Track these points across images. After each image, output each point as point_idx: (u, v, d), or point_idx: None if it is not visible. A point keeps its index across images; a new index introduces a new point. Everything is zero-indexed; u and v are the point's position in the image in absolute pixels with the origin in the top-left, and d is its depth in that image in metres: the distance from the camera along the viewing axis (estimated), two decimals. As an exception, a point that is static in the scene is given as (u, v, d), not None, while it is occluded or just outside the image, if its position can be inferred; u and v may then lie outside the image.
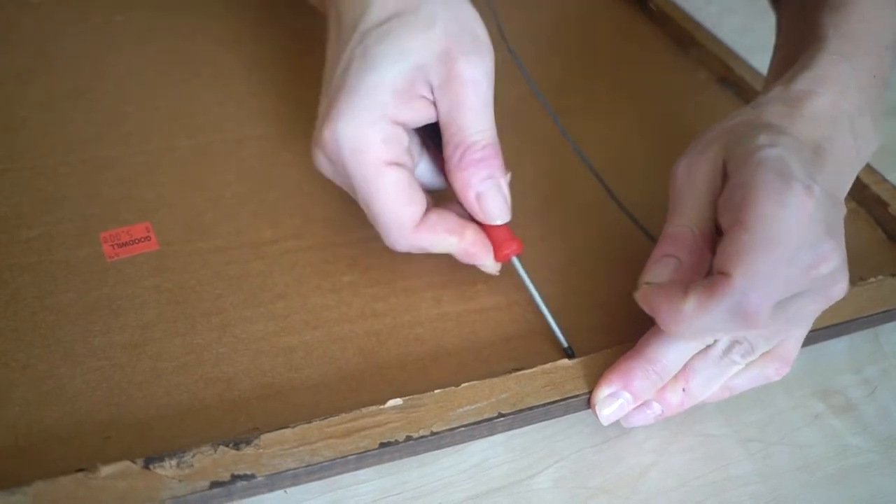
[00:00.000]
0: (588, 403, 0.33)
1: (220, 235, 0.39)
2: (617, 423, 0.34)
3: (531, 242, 0.40)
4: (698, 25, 0.57)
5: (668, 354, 0.32)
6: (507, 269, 0.39)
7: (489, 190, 0.34)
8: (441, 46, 0.33)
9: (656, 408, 0.33)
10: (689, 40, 0.56)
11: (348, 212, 0.41)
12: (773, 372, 0.34)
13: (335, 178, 0.35)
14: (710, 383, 0.33)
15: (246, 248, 0.39)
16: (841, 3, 0.39)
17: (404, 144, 0.33)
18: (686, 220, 0.33)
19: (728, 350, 0.32)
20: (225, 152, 0.44)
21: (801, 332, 0.34)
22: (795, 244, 0.29)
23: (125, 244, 0.38)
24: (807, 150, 0.34)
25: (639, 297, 0.32)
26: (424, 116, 0.34)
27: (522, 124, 0.47)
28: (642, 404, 0.33)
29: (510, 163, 0.35)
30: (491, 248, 0.35)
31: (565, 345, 0.35)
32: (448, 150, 0.34)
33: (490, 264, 0.36)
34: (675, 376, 0.33)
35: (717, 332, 0.32)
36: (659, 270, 0.32)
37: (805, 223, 0.30)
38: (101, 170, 0.42)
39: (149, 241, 0.38)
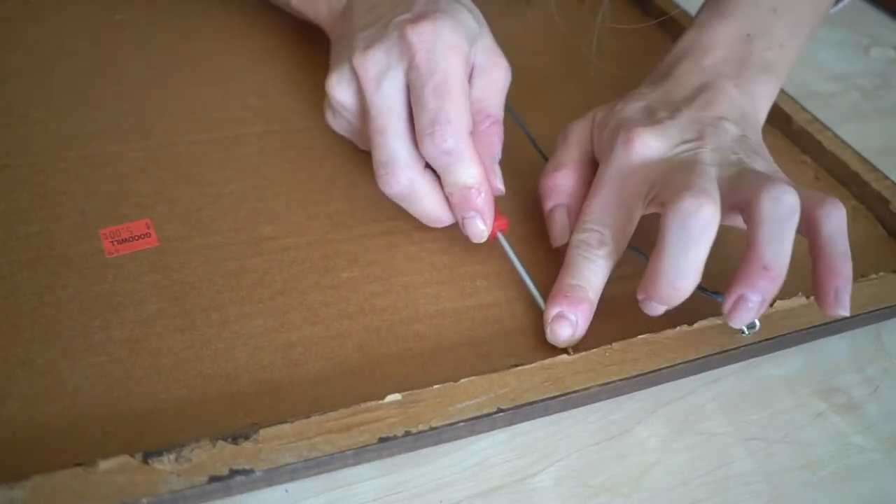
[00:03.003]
0: (588, 399, 0.33)
1: (220, 232, 0.39)
2: (619, 423, 0.34)
3: (528, 240, 0.40)
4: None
5: (576, 271, 0.35)
6: (505, 264, 0.39)
7: (474, 219, 0.36)
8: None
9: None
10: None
11: (348, 208, 0.41)
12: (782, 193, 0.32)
13: (354, 97, 0.37)
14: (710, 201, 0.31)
15: (245, 244, 0.39)
16: None
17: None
18: (556, 162, 0.40)
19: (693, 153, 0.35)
20: (224, 149, 0.43)
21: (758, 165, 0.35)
22: (614, 181, 0.36)
23: (125, 241, 0.38)
24: (657, 96, 0.39)
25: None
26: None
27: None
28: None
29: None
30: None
31: None
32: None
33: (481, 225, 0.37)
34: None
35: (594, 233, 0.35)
36: (557, 229, 0.38)
37: (636, 155, 0.36)
38: (100, 166, 0.41)
39: (148, 237, 0.38)
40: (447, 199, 0.37)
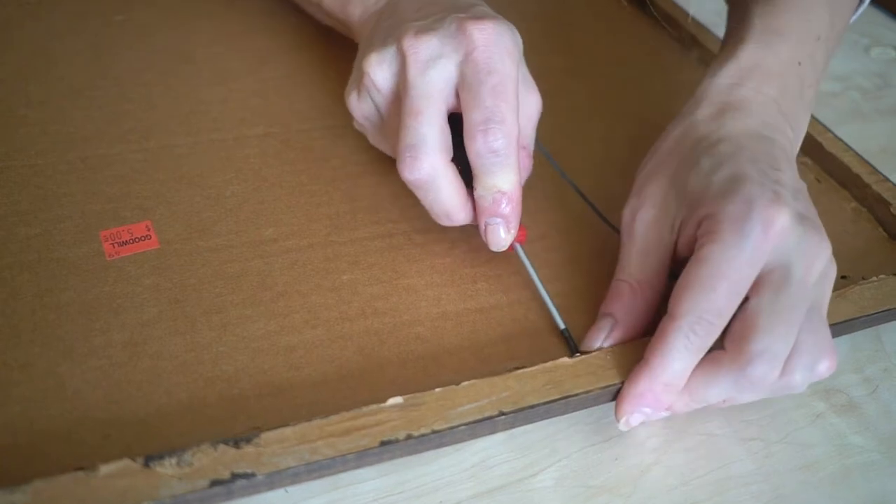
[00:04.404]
0: (589, 402, 0.33)
1: (221, 234, 0.39)
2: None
3: (531, 241, 0.40)
4: (699, 25, 0.57)
5: (672, 364, 0.31)
6: (506, 266, 0.39)
7: (498, 226, 0.36)
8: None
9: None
10: (690, 40, 0.56)
11: (349, 210, 0.41)
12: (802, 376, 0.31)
13: (391, 81, 0.37)
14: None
15: (246, 246, 0.38)
16: None
17: None
18: (625, 273, 0.35)
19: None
20: (225, 151, 0.43)
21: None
22: (745, 267, 0.31)
23: (125, 243, 0.38)
24: (757, 153, 0.34)
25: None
26: None
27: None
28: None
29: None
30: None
31: (562, 327, 0.36)
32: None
33: (505, 234, 0.36)
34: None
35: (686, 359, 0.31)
36: (595, 335, 0.34)
37: (775, 238, 0.31)
38: (100, 168, 0.41)
39: (149, 239, 0.38)
40: (473, 201, 0.36)
